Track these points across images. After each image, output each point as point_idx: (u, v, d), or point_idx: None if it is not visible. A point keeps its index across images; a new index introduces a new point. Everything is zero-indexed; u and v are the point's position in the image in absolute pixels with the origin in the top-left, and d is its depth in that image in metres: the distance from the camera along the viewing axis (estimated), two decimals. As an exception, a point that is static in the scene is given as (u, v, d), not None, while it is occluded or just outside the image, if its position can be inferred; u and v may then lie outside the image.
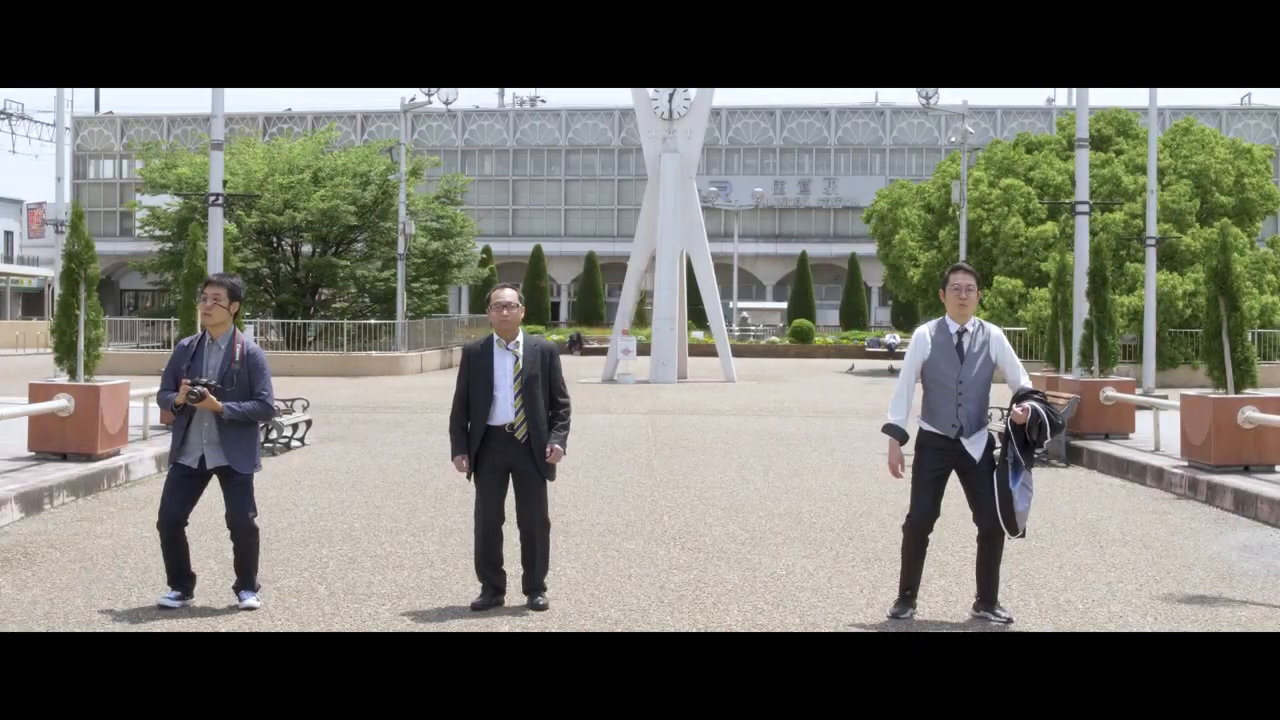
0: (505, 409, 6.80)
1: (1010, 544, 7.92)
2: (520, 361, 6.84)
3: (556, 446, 6.87)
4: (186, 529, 6.91)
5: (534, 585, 6.92)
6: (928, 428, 6.62)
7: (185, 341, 7.13)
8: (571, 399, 7.11)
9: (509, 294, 6.95)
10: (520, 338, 6.93)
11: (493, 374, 6.82)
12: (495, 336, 6.93)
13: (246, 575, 6.91)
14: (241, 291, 7.04)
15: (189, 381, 6.70)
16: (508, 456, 6.84)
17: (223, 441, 6.80)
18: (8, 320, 56.70)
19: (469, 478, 6.95)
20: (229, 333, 6.92)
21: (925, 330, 6.72)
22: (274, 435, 14.74)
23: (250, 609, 6.78)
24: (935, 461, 6.59)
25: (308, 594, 7.16)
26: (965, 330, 6.61)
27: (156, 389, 7.30)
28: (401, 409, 21.20)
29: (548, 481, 6.95)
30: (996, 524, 6.51)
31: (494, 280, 56.84)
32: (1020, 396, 6.55)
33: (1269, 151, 36.50)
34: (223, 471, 6.88)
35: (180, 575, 6.89)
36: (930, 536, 6.68)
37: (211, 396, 6.69)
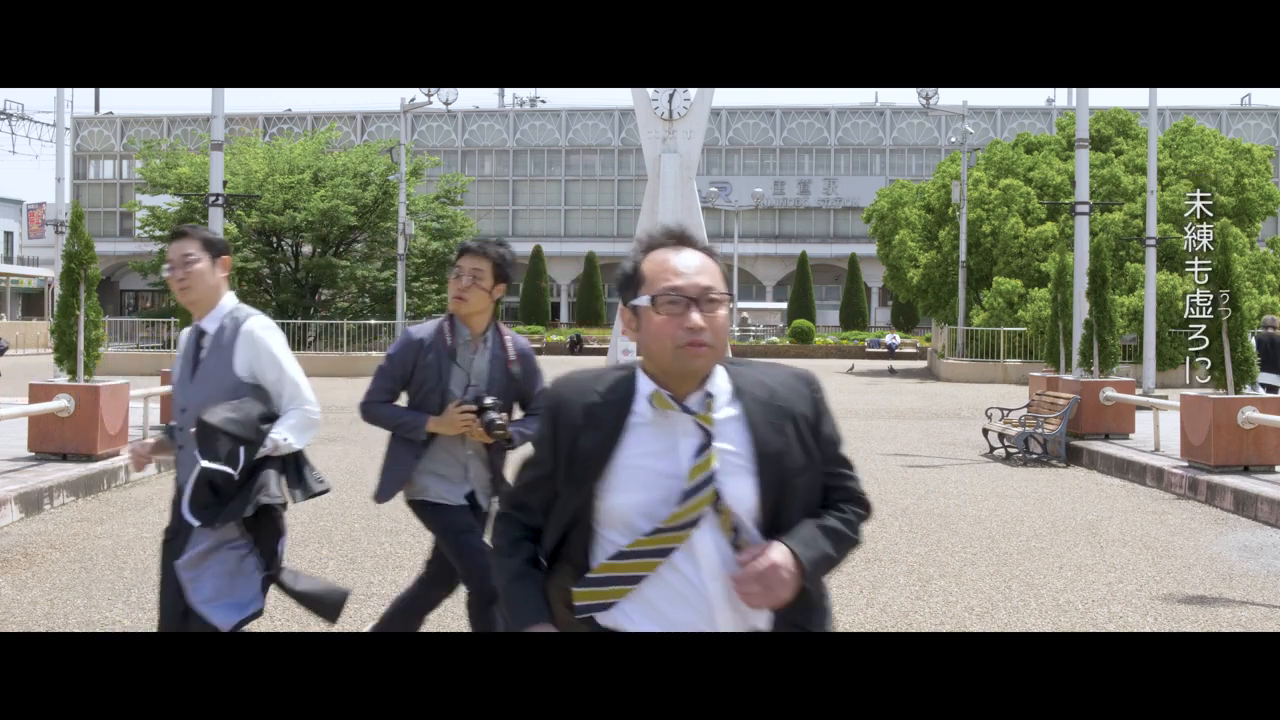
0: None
1: (1010, 544, 7.93)
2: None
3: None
4: None
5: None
6: None
7: (415, 333, 4.63)
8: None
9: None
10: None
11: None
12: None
13: None
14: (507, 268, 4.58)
15: (471, 403, 4.44)
16: None
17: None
18: (8, 320, 56.71)
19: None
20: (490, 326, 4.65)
21: None
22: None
23: None
24: None
25: (308, 594, 7.16)
26: None
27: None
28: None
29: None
30: None
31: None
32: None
33: (1269, 151, 36.45)
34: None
35: None
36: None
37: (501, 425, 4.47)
